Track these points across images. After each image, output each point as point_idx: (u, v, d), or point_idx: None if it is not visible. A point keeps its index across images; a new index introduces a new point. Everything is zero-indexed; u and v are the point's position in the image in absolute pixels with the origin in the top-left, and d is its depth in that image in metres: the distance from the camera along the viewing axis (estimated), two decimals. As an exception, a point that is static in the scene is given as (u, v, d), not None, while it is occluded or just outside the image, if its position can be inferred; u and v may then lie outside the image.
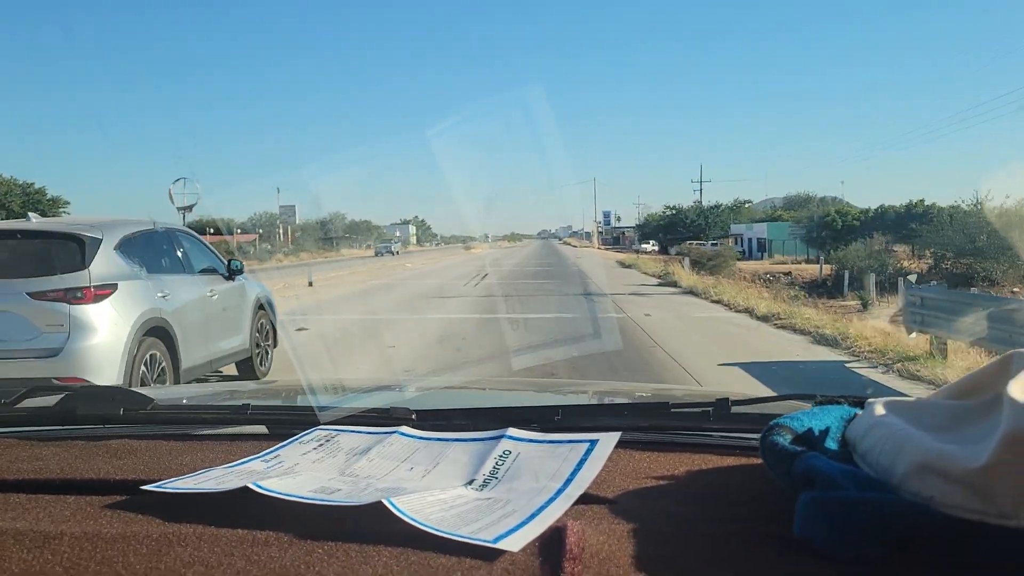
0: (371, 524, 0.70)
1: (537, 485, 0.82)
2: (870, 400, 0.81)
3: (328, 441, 1.00)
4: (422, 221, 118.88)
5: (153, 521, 0.75)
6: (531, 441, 0.95)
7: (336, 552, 0.66)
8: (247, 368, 7.25)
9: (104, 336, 4.98)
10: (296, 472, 0.89)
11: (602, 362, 8.17)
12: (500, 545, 0.65)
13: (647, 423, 1.09)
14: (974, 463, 0.58)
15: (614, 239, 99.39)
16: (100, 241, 5.26)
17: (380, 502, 0.72)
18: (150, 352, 5.35)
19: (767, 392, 2.74)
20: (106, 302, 5.06)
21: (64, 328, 4.87)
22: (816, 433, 0.81)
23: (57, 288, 4.91)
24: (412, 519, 0.70)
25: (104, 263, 5.19)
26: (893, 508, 0.63)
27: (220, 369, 6.80)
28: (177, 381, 5.60)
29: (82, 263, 5.07)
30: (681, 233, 61.68)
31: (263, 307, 7.60)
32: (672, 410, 1.12)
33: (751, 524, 0.72)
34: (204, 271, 6.70)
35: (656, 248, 66.43)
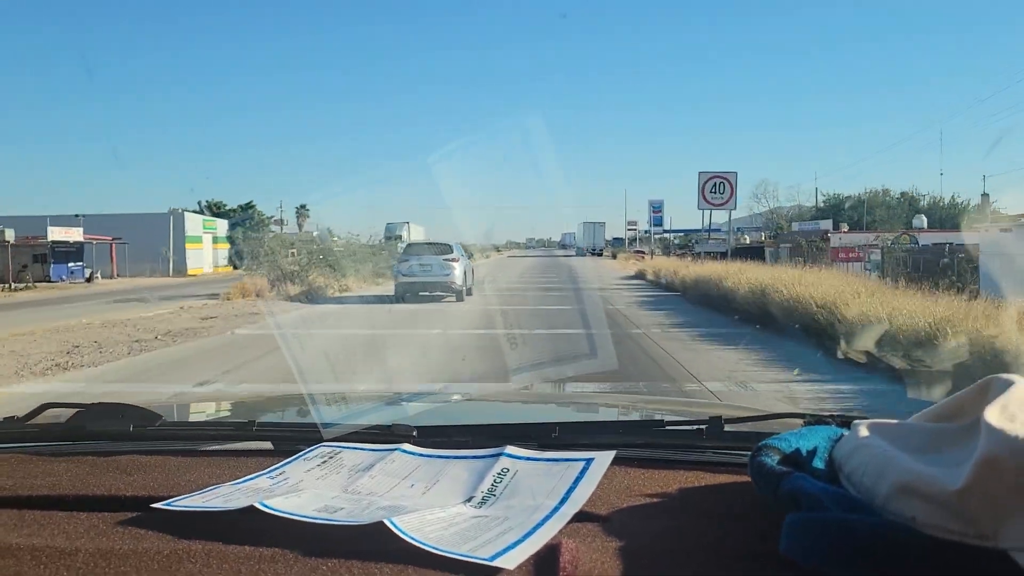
0: (373, 543, 0.73)
1: (534, 503, 0.84)
2: (856, 421, 0.83)
3: (331, 458, 1.04)
4: (302, 208, 61.55)
5: (163, 538, 0.78)
6: (528, 459, 0.99)
7: (339, 569, 0.69)
8: (468, 292, 19.99)
9: (459, 272, 18.04)
10: (300, 489, 0.93)
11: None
12: (497, 563, 0.68)
13: (642, 440, 1.11)
14: (952, 485, 0.59)
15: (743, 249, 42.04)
16: (454, 245, 18.57)
17: (382, 522, 0.76)
18: (466, 279, 18.39)
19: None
20: (459, 262, 18.19)
21: (450, 269, 17.98)
22: (804, 453, 0.83)
23: (450, 257, 18.10)
24: (412, 538, 0.74)
25: (457, 251, 18.42)
26: (876, 529, 0.64)
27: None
28: (469, 290, 18.66)
29: (451, 251, 18.32)
30: None
31: (473, 270, 20.63)
32: (666, 427, 1.15)
33: (740, 542, 0.74)
34: (463, 255, 19.56)
35: None
